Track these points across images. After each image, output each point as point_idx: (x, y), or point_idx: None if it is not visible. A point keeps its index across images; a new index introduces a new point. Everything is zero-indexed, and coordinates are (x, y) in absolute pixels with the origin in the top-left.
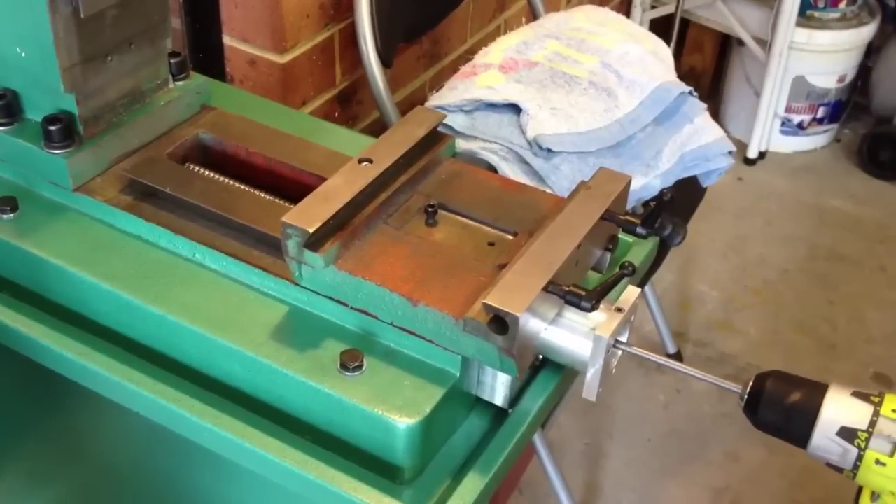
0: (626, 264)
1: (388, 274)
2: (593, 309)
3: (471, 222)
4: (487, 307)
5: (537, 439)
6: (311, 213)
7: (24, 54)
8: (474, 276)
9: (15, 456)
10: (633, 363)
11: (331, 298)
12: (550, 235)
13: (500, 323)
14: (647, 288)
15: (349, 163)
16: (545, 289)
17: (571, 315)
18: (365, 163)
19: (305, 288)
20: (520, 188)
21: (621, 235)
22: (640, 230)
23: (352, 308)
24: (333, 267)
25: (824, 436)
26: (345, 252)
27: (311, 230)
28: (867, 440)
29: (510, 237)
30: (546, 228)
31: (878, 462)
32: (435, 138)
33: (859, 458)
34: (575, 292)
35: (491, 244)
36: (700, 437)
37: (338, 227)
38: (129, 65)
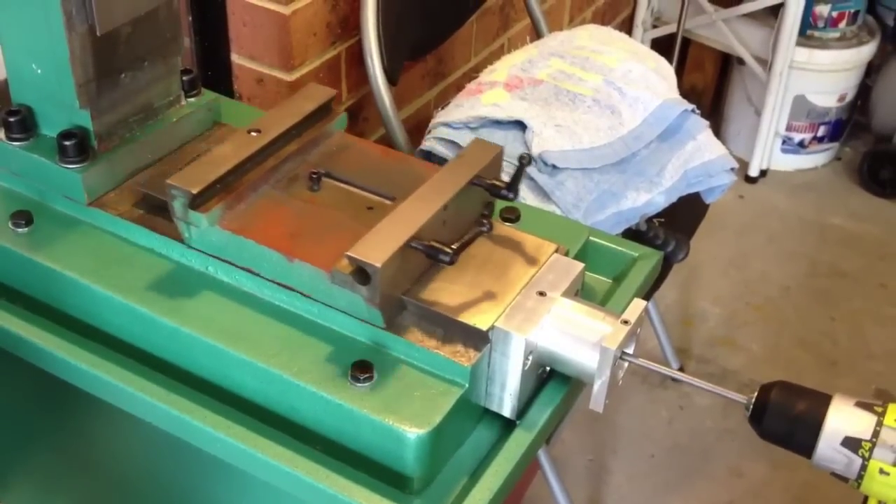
0: (484, 221)
1: (268, 233)
2: (451, 262)
3: (353, 189)
4: (350, 259)
5: (541, 455)
6: (196, 176)
7: (39, 71)
8: (350, 236)
9: (27, 466)
10: (636, 379)
11: (218, 258)
12: (418, 197)
13: (363, 274)
14: (650, 304)
15: (238, 132)
16: (407, 244)
17: (579, 326)
18: (254, 132)
19: (194, 248)
20: (402, 158)
21: (624, 250)
22: (504, 192)
23: (238, 267)
24: (217, 227)
25: (829, 446)
26: (229, 213)
27: (194, 191)
28: (871, 450)
29: (388, 202)
30: (416, 192)
31: (881, 472)
32: (325, 112)
33: (863, 467)
34: (435, 247)
35: (370, 208)
36: (703, 452)
37: (223, 189)
38: (143, 81)
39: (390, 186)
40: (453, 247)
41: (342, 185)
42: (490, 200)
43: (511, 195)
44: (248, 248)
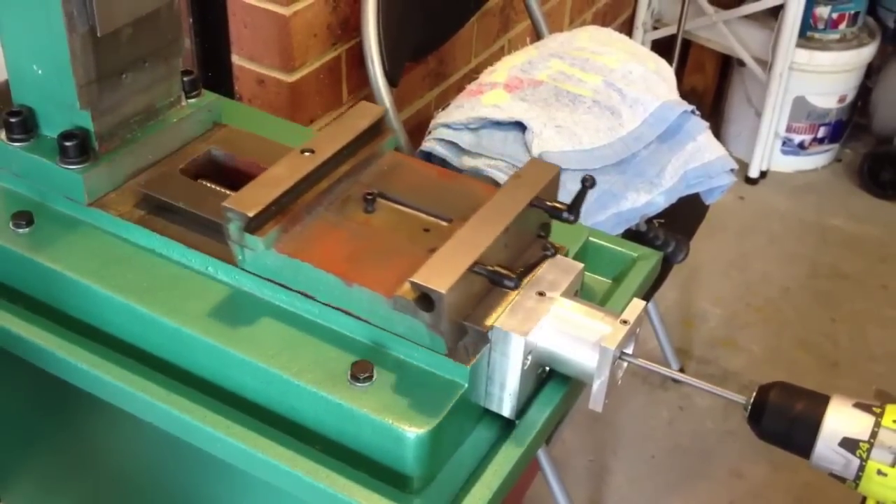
0: (548, 245)
1: (325, 256)
2: (516, 287)
3: (408, 210)
4: (414, 285)
5: (542, 455)
6: (251, 199)
7: (40, 71)
8: (408, 259)
9: (28, 466)
10: (636, 380)
11: (272, 281)
12: (479, 220)
13: (427, 300)
14: (650, 305)
15: (291, 152)
16: (471, 269)
17: (578, 326)
18: (307, 153)
19: (249, 272)
20: (456, 178)
21: (624, 250)
22: (566, 215)
23: (293, 290)
24: (273, 250)
25: (827, 446)
26: (284, 236)
27: (250, 214)
28: (868, 451)
29: (445, 224)
30: (476, 214)
31: (879, 472)
32: (377, 131)
33: (861, 468)
34: (499, 272)
35: (426, 230)
36: (703, 454)
37: (278, 212)
38: (144, 82)
39: (446, 207)
40: (520, 270)
41: (397, 206)
42: (547, 221)
43: (572, 217)
44: (304, 272)
